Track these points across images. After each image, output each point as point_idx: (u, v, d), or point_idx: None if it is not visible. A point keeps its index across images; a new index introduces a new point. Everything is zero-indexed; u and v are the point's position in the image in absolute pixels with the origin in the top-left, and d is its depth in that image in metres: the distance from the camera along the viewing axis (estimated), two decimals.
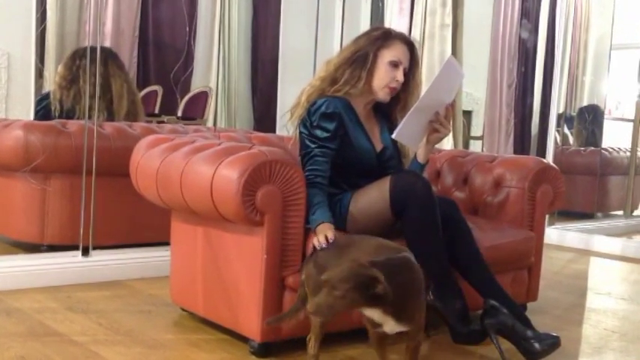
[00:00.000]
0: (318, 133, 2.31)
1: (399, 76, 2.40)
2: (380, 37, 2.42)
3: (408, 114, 2.31)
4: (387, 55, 2.40)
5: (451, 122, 2.43)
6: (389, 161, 2.49)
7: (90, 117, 3.30)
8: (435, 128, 2.39)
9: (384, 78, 2.40)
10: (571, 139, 5.73)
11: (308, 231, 2.18)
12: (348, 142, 2.36)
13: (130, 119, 3.71)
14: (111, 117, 3.68)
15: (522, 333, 2.20)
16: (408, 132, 2.33)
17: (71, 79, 3.63)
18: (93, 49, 3.59)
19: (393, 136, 2.34)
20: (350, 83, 2.38)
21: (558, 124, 5.22)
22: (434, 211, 2.26)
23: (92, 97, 3.43)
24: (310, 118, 2.34)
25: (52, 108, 3.66)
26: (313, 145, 2.31)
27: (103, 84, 3.60)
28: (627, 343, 2.60)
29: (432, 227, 2.27)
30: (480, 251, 2.40)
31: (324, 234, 2.09)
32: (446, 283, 2.34)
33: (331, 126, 2.31)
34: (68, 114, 3.63)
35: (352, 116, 2.39)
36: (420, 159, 2.47)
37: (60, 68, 3.81)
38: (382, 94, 2.42)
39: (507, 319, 2.22)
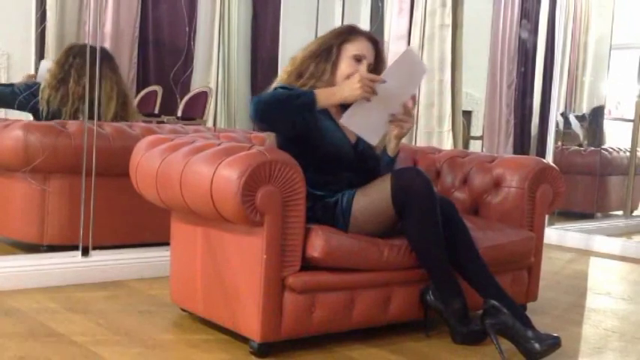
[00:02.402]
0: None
1: (362, 70, 2.39)
2: (344, 31, 2.45)
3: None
4: (351, 49, 2.41)
5: (419, 111, 2.42)
6: (366, 152, 2.45)
7: (76, 118, 3.30)
8: (397, 124, 2.34)
9: (345, 72, 2.40)
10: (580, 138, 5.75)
11: (308, 231, 2.18)
12: (322, 136, 2.34)
13: (118, 121, 3.63)
14: (98, 119, 3.60)
15: (523, 333, 2.21)
16: (361, 122, 2.24)
17: (62, 78, 3.54)
18: (89, 48, 3.55)
19: (341, 121, 2.25)
20: (315, 77, 2.39)
21: (558, 125, 5.22)
22: (434, 207, 2.28)
23: (81, 98, 3.40)
24: (281, 89, 2.33)
25: (40, 109, 3.57)
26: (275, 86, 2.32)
27: (93, 85, 3.52)
28: (627, 343, 2.61)
29: (432, 222, 2.28)
30: (478, 251, 2.40)
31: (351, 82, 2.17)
32: (446, 282, 2.34)
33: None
34: (54, 115, 3.53)
35: (323, 109, 2.35)
36: (390, 152, 2.44)
37: (52, 65, 3.67)
38: None
39: (508, 320, 2.23)
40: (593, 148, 5.79)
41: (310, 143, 2.32)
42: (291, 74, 2.43)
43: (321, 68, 2.40)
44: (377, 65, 2.46)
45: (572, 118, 5.69)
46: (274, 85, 2.44)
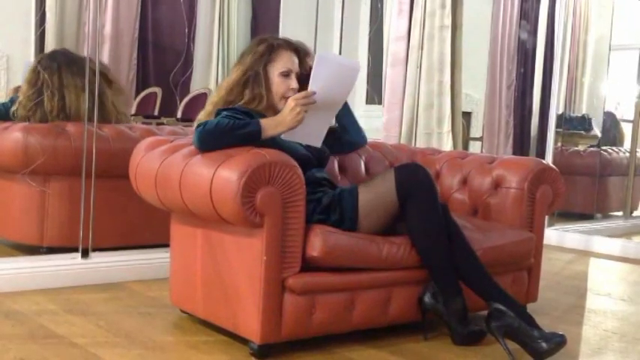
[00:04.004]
0: (234, 113, 2.30)
1: (293, 84, 2.44)
2: (265, 52, 2.45)
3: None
4: (277, 67, 2.44)
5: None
6: (318, 148, 2.51)
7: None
8: None
9: (279, 89, 2.43)
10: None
11: (306, 231, 2.18)
12: (278, 144, 2.31)
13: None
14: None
15: (529, 333, 2.22)
16: (302, 131, 2.28)
17: (35, 98, 3.30)
18: (50, 57, 3.43)
19: (283, 136, 2.28)
20: (255, 102, 2.41)
21: (558, 125, 5.23)
22: (436, 197, 2.34)
23: (59, 114, 3.27)
24: (225, 111, 2.32)
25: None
26: (226, 112, 2.29)
27: (59, 98, 3.31)
28: (627, 344, 2.61)
29: (435, 212, 2.32)
30: (476, 254, 2.40)
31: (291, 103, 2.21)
32: (447, 278, 2.35)
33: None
34: None
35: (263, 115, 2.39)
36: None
37: (24, 85, 3.39)
38: (282, 105, 2.41)
39: (513, 321, 2.24)
40: (592, 149, 5.79)
41: None
42: (218, 104, 2.42)
43: (257, 93, 2.41)
44: (302, 69, 2.49)
45: (593, 121, 5.74)
46: (200, 121, 2.39)
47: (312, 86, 2.24)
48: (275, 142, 2.30)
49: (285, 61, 2.45)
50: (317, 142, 2.40)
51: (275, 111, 2.42)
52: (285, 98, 2.41)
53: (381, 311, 2.35)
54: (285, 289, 2.16)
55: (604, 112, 5.85)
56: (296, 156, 2.26)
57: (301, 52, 2.51)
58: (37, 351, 2.16)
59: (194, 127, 2.41)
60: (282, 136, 2.28)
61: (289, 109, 2.22)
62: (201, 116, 2.45)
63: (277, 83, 2.43)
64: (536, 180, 2.79)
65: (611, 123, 5.88)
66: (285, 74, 2.44)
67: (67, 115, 3.32)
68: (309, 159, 2.43)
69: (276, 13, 5.17)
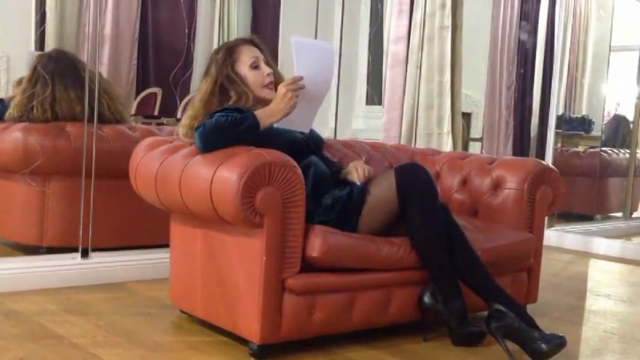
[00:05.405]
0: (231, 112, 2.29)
1: (266, 70, 2.49)
2: (225, 56, 2.48)
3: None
4: (243, 63, 2.48)
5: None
6: (314, 133, 2.56)
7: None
8: None
9: (256, 81, 2.47)
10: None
11: (308, 232, 2.18)
12: (278, 135, 2.35)
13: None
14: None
15: (529, 334, 2.22)
16: (292, 117, 2.32)
17: (27, 105, 3.22)
18: (46, 64, 3.31)
19: (276, 124, 2.31)
20: (242, 101, 2.42)
21: (558, 126, 5.23)
22: (436, 196, 2.34)
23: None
24: (218, 112, 2.30)
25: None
26: (220, 113, 2.27)
27: (52, 111, 3.22)
28: (626, 345, 2.61)
29: (435, 212, 2.33)
30: (477, 254, 2.40)
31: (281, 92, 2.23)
32: (447, 278, 2.35)
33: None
34: None
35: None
36: None
37: (17, 96, 3.28)
38: (266, 94, 2.45)
39: (513, 322, 2.24)
40: (592, 150, 5.79)
41: (266, 144, 2.27)
42: (197, 118, 2.40)
43: (242, 92, 2.43)
44: (265, 56, 2.54)
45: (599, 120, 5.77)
46: (182, 133, 2.42)
47: (297, 72, 2.28)
48: (272, 132, 2.32)
49: (248, 54, 2.49)
50: (307, 127, 2.44)
51: (264, 104, 2.41)
52: (266, 86, 2.46)
53: (381, 311, 2.36)
54: (285, 290, 2.16)
55: (612, 114, 5.86)
56: (294, 141, 2.31)
57: (257, 43, 2.56)
58: (36, 351, 2.16)
59: (180, 135, 2.43)
60: (275, 124, 2.30)
61: (281, 96, 2.24)
62: (181, 130, 2.44)
63: (252, 76, 2.46)
64: (535, 181, 2.79)
65: (621, 126, 5.88)
66: (255, 65, 2.48)
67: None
68: (307, 144, 2.46)
69: (276, 13, 5.18)
